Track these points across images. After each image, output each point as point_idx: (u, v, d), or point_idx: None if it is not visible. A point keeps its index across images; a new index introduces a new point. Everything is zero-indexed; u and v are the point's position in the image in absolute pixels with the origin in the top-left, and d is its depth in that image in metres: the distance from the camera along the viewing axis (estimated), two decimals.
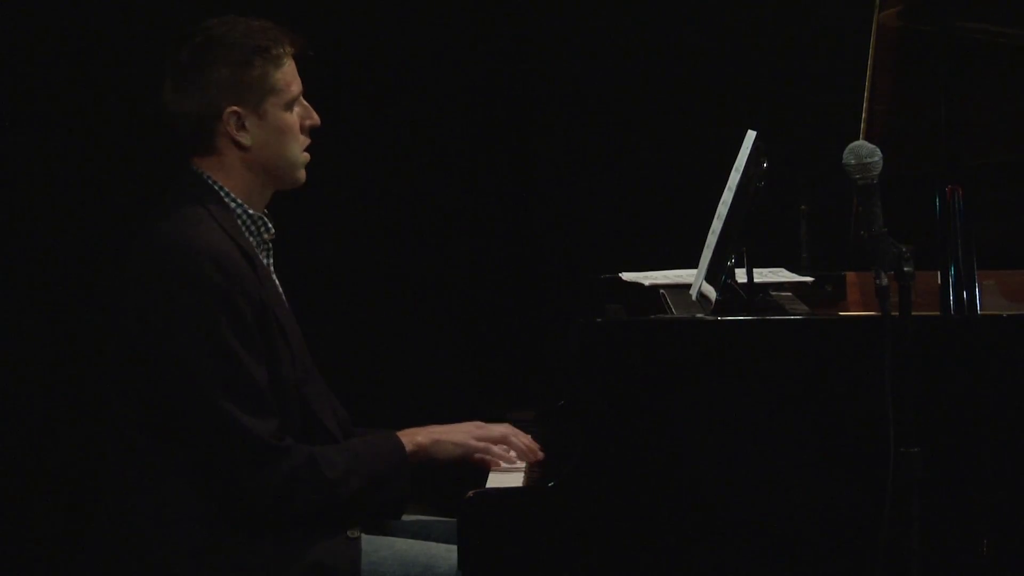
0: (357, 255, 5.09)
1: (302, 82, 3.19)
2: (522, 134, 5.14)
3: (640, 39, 5.06)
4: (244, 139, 3.12)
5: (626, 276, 3.89)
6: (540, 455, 3.29)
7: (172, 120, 3.15)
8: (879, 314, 2.78)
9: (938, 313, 3.17)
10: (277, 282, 3.18)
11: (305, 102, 3.19)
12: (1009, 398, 3.04)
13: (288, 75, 3.16)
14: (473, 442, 3.23)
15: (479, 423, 3.30)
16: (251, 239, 3.14)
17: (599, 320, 3.16)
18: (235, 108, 3.11)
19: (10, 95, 4.94)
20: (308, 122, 3.19)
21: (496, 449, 3.23)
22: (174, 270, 3.01)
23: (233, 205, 3.13)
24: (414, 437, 3.18)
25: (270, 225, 3.18)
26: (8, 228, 4.96)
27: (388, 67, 5.09)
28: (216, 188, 3.13)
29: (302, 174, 3.20)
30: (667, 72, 5.03)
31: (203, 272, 3.00)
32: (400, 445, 3.15)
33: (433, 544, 3.18)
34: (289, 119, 3.16)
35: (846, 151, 2.84)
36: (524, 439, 3.30)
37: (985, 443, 3.03)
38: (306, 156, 3.20)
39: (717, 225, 3.40)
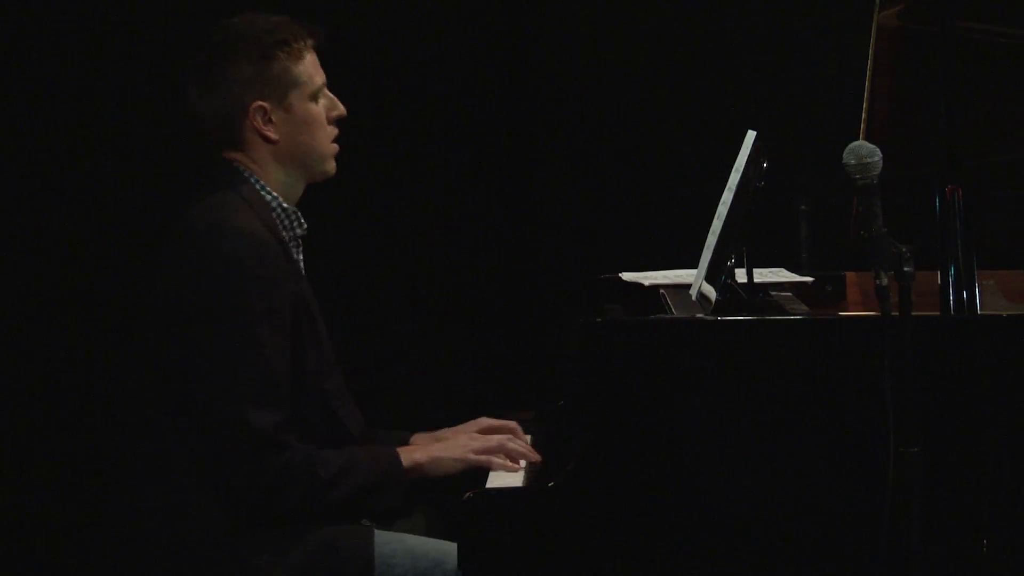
0: (357, 255, 5.09)
1: (325, 74, 3.21)
2: (522, 134, 5.14)
3: (640, 39, 5.06)
4: (271, 133, 3.16)
5: (626, 276, 3.89)
6: (536, 457, 3.29)
7: (199, 120, 3.18)
8: (879, 314, 2.78)
9: (938, 313, 3.17)
10: (306, 278, 3.20)
11: (330, 93, 3.24)
12: (1009, 398, 3.04)
13: (310, 67, 3.20)
14: (472, 456, 3.23)
15: (482, 421, 3.31)
16: (284, 233, 3.16)
17: (599, 320, 3.16)
18: (260, 103, 3.15)
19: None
20: (334, 113, 3.24)
21: (497, 460, 3.24)
22: (211, 250, 3.04)
23: (268, 198, 3.16)
24: (412, 455, 3.19)
25: (303, 220, 3.21)
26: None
27: (388, 67, 5.09)
28: (252, 180, 3.16)
29: (332, 165, 3.25)
30: (667, 72, 5.03)
31: (240, 254, 3.02)
32: (397, 460, 3.16)
33: (444, 540, 3.18)
34: (315, 110, 3.20)
35: (846, 151, 2.84)
36: (521, 443, 3.30)
37: (985, 443, 3.03)
38: (334, 147, 3.25)
39: (717, 225, 3.39)
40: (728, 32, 5.03)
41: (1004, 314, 3.17)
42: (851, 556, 3.01)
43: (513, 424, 3.36)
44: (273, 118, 3.16)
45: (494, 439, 3.27)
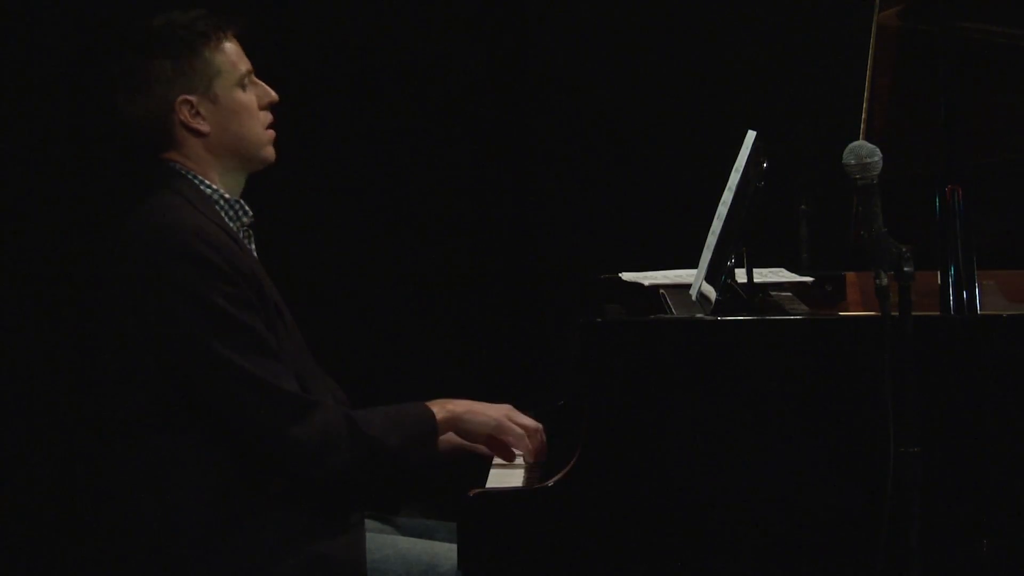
0: (357, 255, 5.09)
1: (253, 62, 3.22)
2: (521, 134, 5.14)
3: (640, 39, 5.06)
4: (201, 126, 3.15)
5: (626, 276, 3.89)
6: (543, 458, 3.31)
7: (130, 124, 3.18)
8: (879, 314, 2.78)
9: (938, 313, 3.17)
10: (261, 266, 3.20)
11: (258, 80, 3.21)
12: (1009, 398, 3.04)
13: (232, 55, 3.19)
14: (506, 421, 3.24)
15: (511, 407, 3.32)
16: (231, 224, 3.16)
17: (599, 320, 3.16)
18: (185, 97, 3.14)
19: None
20: (266, 99, 3.22)
21: (527, 441, 3.25)
22: (160, 248, 3.04)
23: (209, 192, 3.16)
24: (446, 405, 3.21)
25: (248, 209, 3.20)
26: (6, 228, 4.96)
27: (389, 66, 5.09)
28: (190, 177, 3.16)
29: (270, 151, 3.23)
30: (667, 72, 5.03)
31: (189, 245, 3.02)
32: (428, 410, 3.18)
33: (436, 543, 3.19)
34: (243, 98, 3.18)
35: (846, 151, 2.84)
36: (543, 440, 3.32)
37: (985, 443, 3.03)
38: (270, 133, 3.23)
39: (717, 225, 3.39)
40: (728, 32, 5.03)
41: (1004, 314, 3.17)
42: (851, 556, 3.01)
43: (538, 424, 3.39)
44: (201, 110, 3.15)
45: (530, 420, 3.29)
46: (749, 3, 5.03)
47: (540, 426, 3.30)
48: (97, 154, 4.91)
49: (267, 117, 3.22)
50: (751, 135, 3.42)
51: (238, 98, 3.18)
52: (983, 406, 3.03)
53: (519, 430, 3.25)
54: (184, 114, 3.14)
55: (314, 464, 3.02)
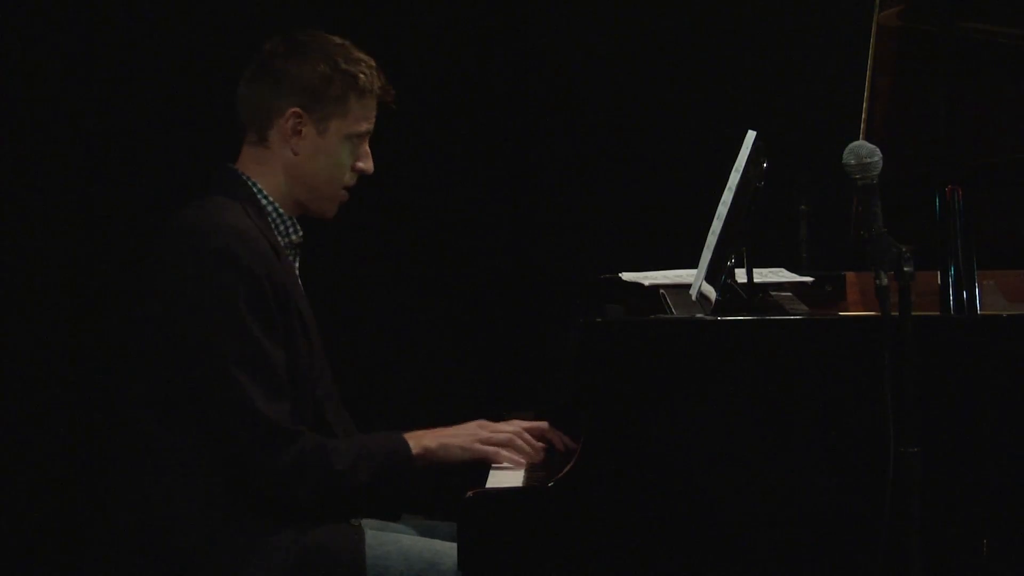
0: (357, 255, 5.09)
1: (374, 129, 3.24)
2: (522, 134, 5.14)
3: (640, 39, 5.06)
4: (295, 144, 3.17)
5: (626, 276, 3.89)
6: (541, 457, 3.30)
7: (240, 103, 3.21)
8: (879, 314, 2.78)
9: (938, 313, 3.17)
10: (301, 284, 3.21)
11: (368, 148, 3.23)
12: (1009, 398, 3.04)
13: (364, 110, 3.22)
14: (479, 446, 3.24)
15: (483, 422, 3.31)
16: (280, 239, 3.18)
17: (599, 320, 3.16)
18: (298, 110, 3.15)
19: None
20: (360, 163, 3.25)
21: (504, 453, 3.25)
22: (196, 244, 3.06)
23: (265, 203, 3.18)
24: (420, 440, 3.20)
25: (298, 228, 3.22)
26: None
27: (388, 66, 5.08)
28: (250, 184, 3.17)
29: (333, 209, 3.27)
30: (667, 72, 5.03)
31: (225, 244, 3.04)
32: (406, 446, 3.17)
33: (438, 541, 3.19)
34: (344, 150, 3.20)
35: (846, 151, 2.84)
36: (528, 438, 3.30)
37: (985, 443, 3.03)
38: (344, 194, 3.25)
39: (717, 225, 3.39)
40: (728, 32, 5.03)
41: (1004, 314, 3.17)
42: (851, 556, 3.01)
43: (544, 424, 3.38)
44: (303, 131, 3.18)
45: (503, 433, 3.28)
46: (749, 3, 5.03)
47: (512, 435, 3.27)
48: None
49: (351, 179, 3.24)
50: (751, 135, 3.42)
51: (341, 146, 3.20)
52: (983, 406, 3.03)
53: (491, 449, 3.24)
54: (287, 124, 3.17)
55: (280, 493, 3.05)
